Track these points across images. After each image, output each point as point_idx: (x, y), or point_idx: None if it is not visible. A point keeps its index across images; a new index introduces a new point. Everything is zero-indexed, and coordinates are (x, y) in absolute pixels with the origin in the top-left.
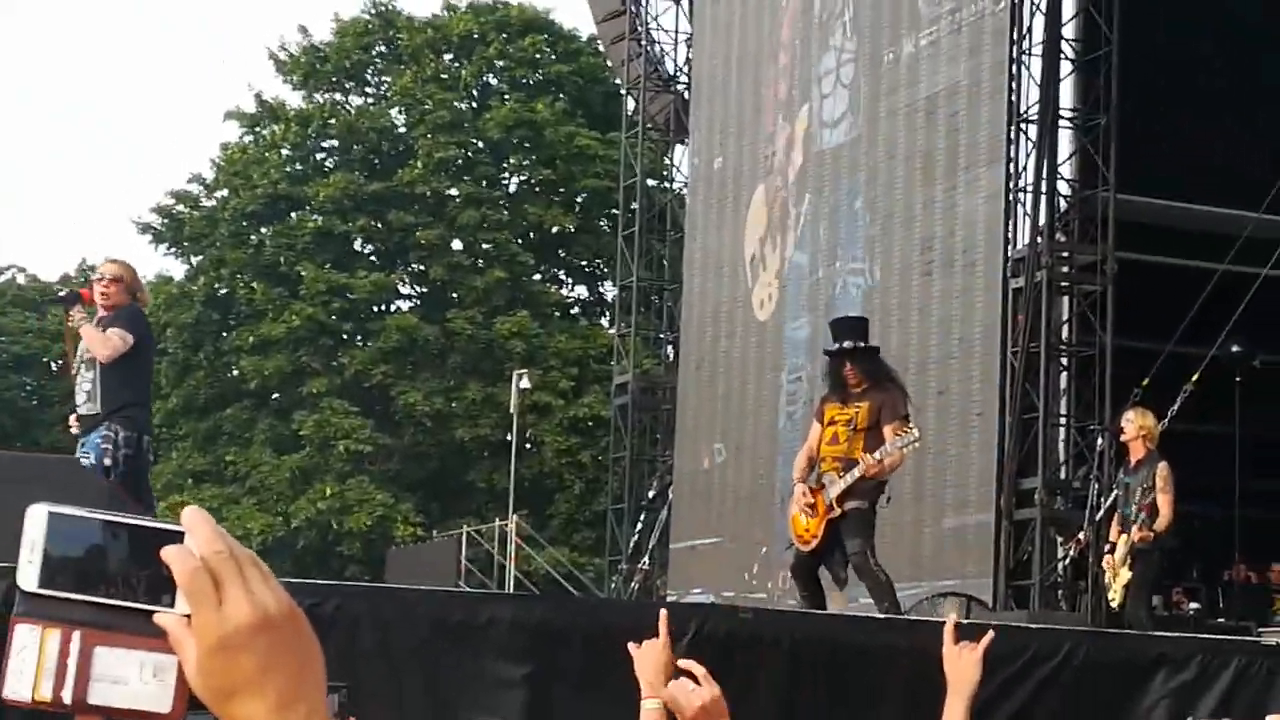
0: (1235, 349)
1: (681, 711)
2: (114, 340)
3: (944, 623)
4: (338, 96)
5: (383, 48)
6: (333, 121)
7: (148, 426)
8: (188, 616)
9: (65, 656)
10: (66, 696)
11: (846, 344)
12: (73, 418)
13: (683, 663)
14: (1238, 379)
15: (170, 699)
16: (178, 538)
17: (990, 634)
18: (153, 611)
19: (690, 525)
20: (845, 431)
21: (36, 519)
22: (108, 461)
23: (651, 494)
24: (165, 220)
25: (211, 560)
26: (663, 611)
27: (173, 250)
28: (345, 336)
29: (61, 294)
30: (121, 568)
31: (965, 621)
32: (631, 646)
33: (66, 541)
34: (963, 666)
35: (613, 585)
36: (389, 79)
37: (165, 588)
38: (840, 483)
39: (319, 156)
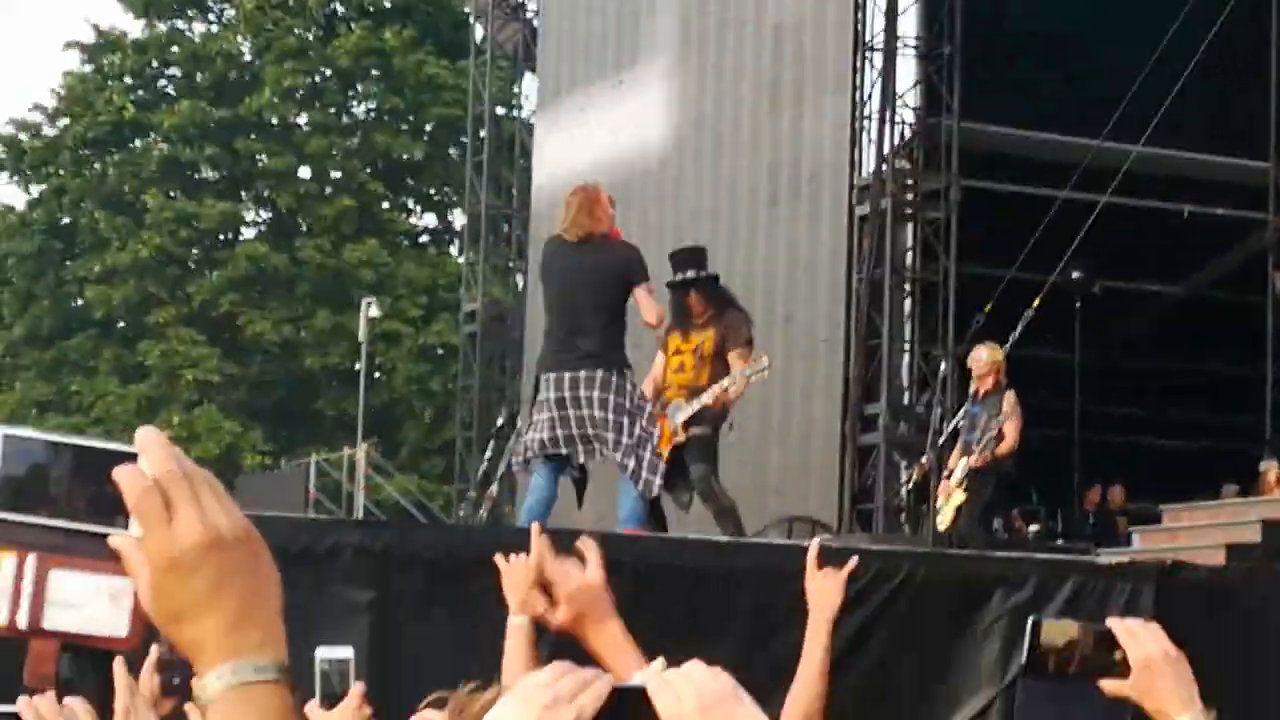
0: (1076, 275)
1: (557, 594)
2: None
3: (791, 546)
4: (179, 24)
5: None
6: (175, 50)
7: None
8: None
9: (20, 580)
10: (21, 621)
11: (689, 273)
12: None
13: (581, 541)
14: (1078, 304)
15: (127, 624)
16: (130, 458)
17: (854, 559)
18: (106, 534)
19: None
20: (691, 360)
21: None
22: None
23: (500, 422)
24: (5, 148)
25: (163, 480)
26: (535, 525)
27: (14, 179)
28: (192, 266)
29: None
30: (75, 489)
31: (826, 542)
32: (500, 560)
33: (20, 463)
34: (826, 590)
35: (460, 512)
36: (232, 6)
37: (119, 509)
38: (687, 409)
39: (163, 84)
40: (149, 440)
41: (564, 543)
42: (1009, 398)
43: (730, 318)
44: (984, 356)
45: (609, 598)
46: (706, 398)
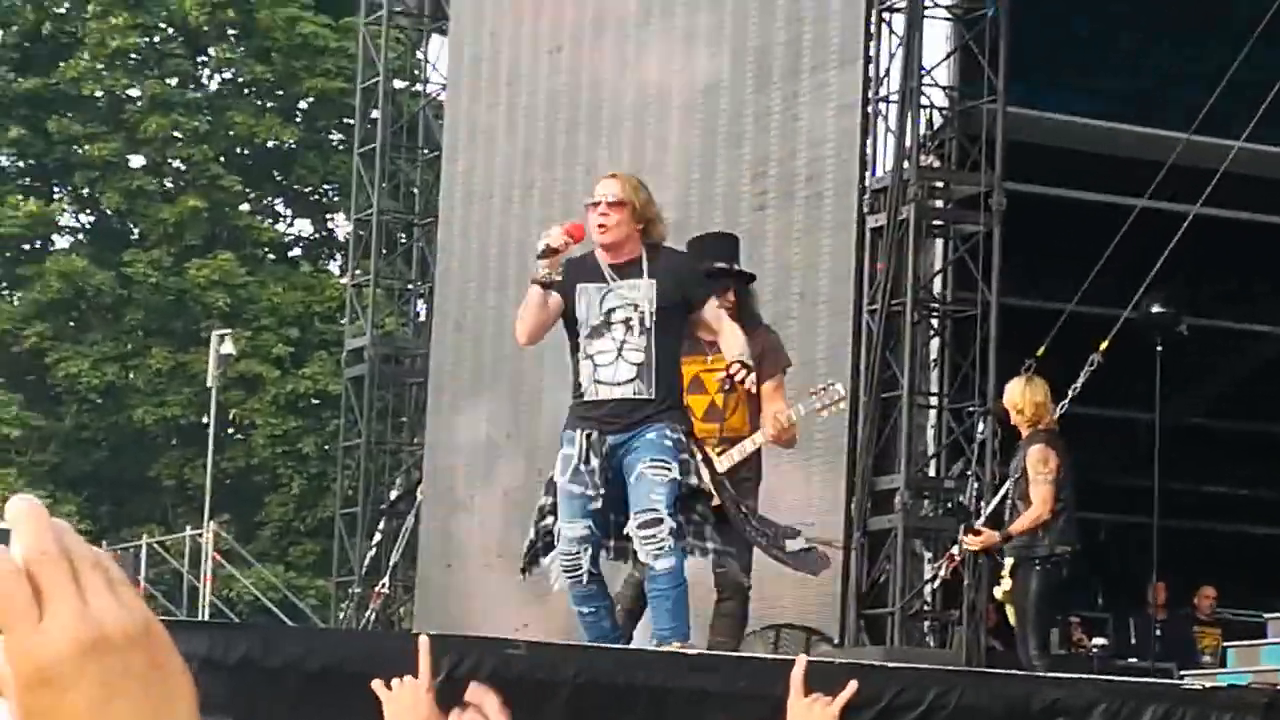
0: (1156, 310)
1: None
2: None
3: (778, 662)
4: None
5: None
6: None
7: None
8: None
9: None
10: None
11: (719, 265)
12: None
13: (472, 691)
14: (1159, 348)
15: None
16: (4, 538)
17: (852, 684)
18: None
19: (446, 536)
20: (718, 393)
21: None
22: None
23: (395, 495)
24: None
25: (34, 564)
26: (423, 639)
27: None
28: None
29: None
30: None
31: (814, 659)
32: (378, 687)
33: None
34: None
35: (342, 614)
36: None
37: None
38: (730, 456)
39: None
40: (21, 512)
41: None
42: (1033, 452)
43: (765, 335)
44: (1009, 393)
45: None
46: (751, 444)
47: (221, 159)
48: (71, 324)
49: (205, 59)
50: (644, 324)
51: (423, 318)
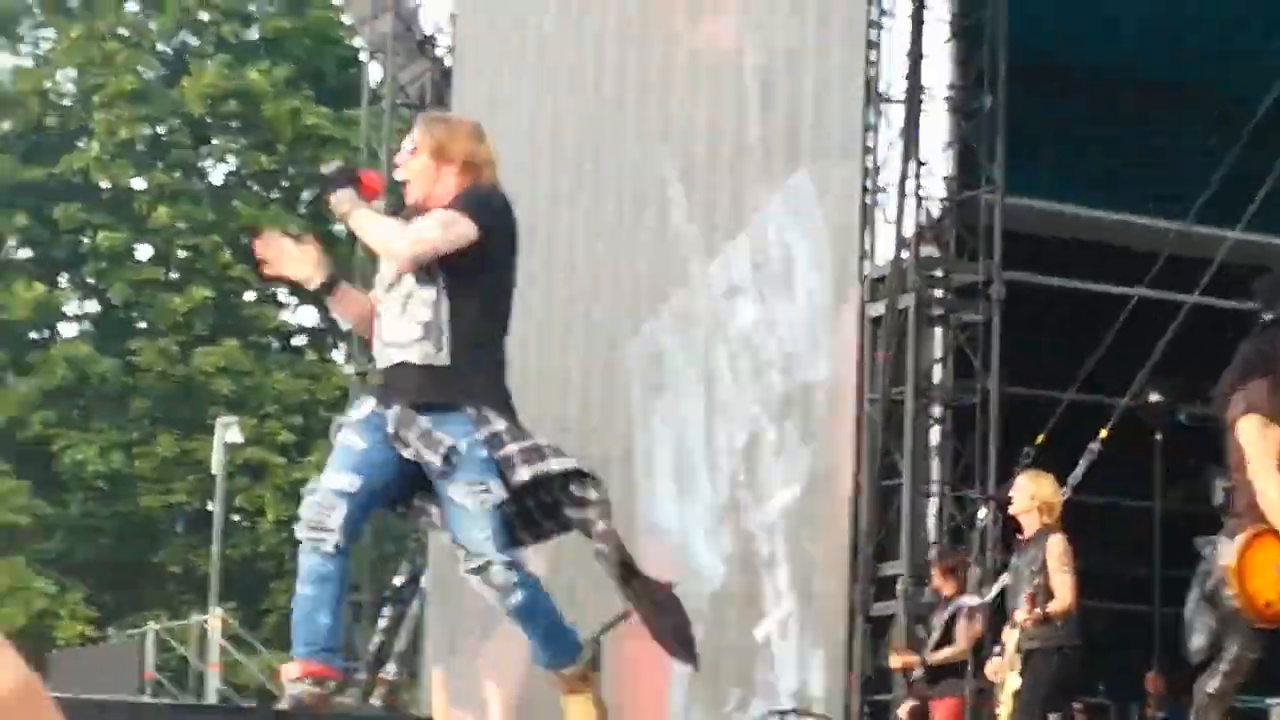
0: (1154, 398)
1: None
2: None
3: None
4: None
5: None
6: None
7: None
8: None
9: None
10: None
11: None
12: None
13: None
14: (1157, 437)
15: None
16: None
17: None
18: None
19: (453, 623)
20: None
21: None
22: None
23: (399, 581)
24: None
25: None
26: (438, 674)
27: None
28: None
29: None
30: None
31: None
32: None
33: None
34: None
35: (346, 700)
36: (51, 34)
37: None
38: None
39: None
40: None
41: None
42: (1054, 544)
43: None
44: (1024, 486)
45: None
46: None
47: (228, 248)
48: (77, 411)
49: (209, 149)
50: (429, 271)
51: None
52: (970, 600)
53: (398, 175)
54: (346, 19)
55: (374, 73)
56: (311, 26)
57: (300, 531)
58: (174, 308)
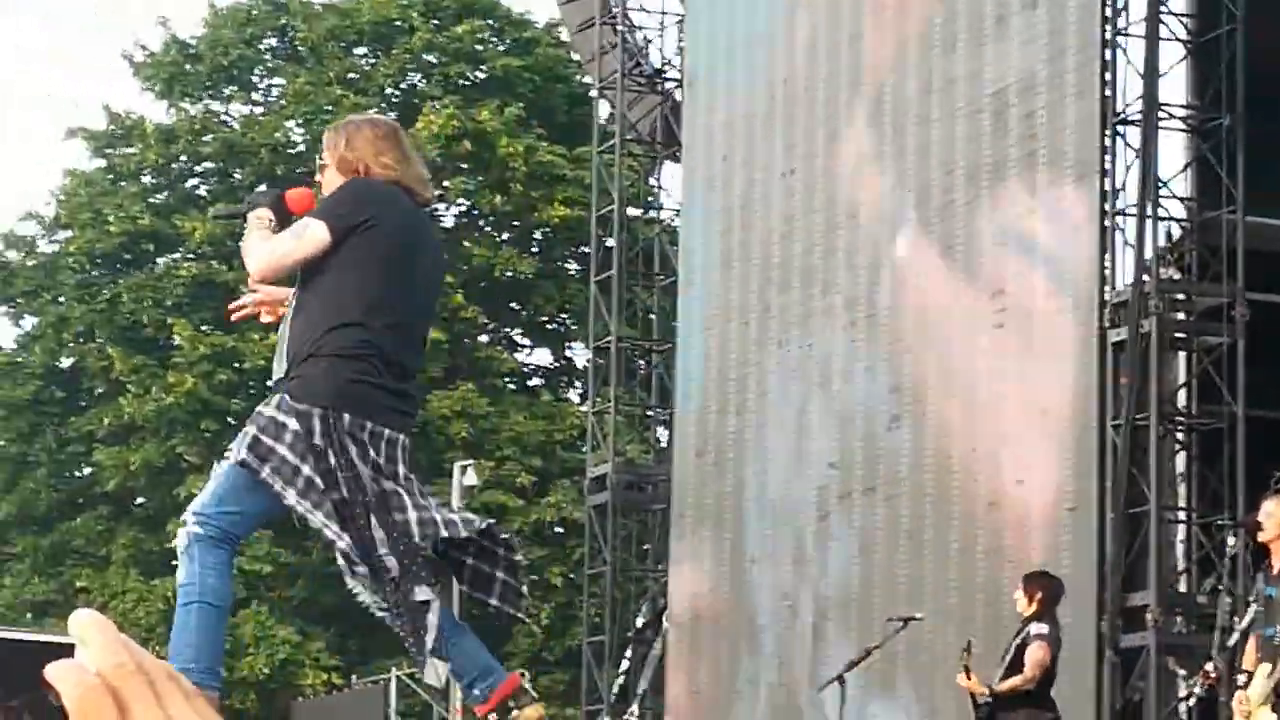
0: None
1: None
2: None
3: None
4: (214, 106)
5: (273, 41)
6: (208, 139)
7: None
8: None
9: None
10: None
11: None
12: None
13: None
14: None
15: None
16: (67, 651)
17: None
18: None
19: (693, 663)
20: None
21: None
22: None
23: (641, 622)
24: None
25: (112, 677)
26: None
27: (1, 309)
28: (233, 420)
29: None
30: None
31: None
32: None
33: None
34: None
35: None
36: (281, 82)
37: (56, 717)
38: None
39: (192, 184)
40: (88, 626)
41: None
42: None
43: None
44: (1272, 510)
45: None
46: None
47: (460, 290)
48: None
49: (441, 191)
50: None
51: (664, 443)
52: (1040, 628)
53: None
54: (575, 56)
55: (603, 109)
56: (540, 65)
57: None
58: None
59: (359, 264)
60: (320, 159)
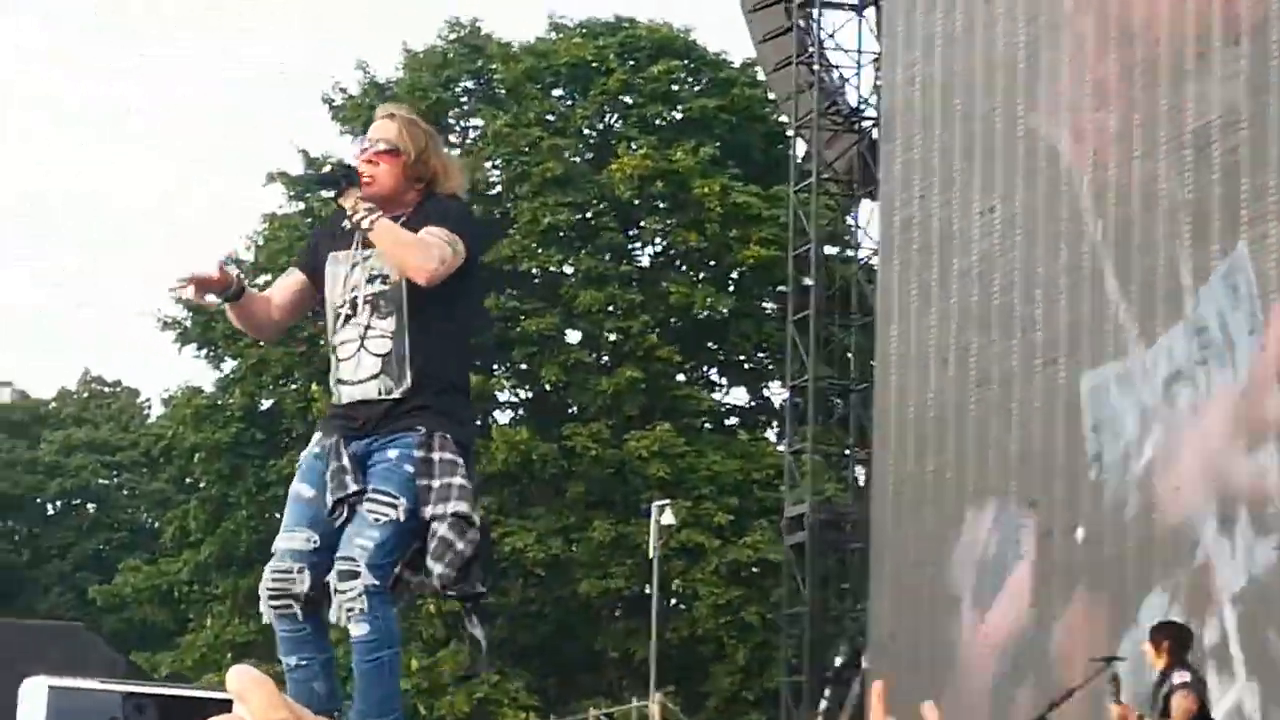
0: None
1: None
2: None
3: None
4: None
5: (469, 83)
6: None
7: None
8: None
9: None
10: None
11: None
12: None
13: None
14: None
15: None
16: (224, 707)
17: None
18: None
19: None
20: None
21: (35, 696)
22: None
23: (839, 662)
24: (192, 315)
25: None
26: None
27: (202, 352)
28: None
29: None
30: None
31: None
32: None
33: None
34: None
35: None
36: (479, 123)
37: None
38: None
39: None
40: (246, 683)
41: None
42: None
43: None
44: None
45: None
46: None
47: (656, 331)
48: (514, 496)
49: (637, 232)
50: (392, 300)
51: (861, 483)
52: (1182, 676)
53: (363, 167)
54: (771, 95)
55: (799, 148)
56: (736, 105)
57: (264, 605)
58: (605, 390)
59: (468, 294)
60: (378, 140)
